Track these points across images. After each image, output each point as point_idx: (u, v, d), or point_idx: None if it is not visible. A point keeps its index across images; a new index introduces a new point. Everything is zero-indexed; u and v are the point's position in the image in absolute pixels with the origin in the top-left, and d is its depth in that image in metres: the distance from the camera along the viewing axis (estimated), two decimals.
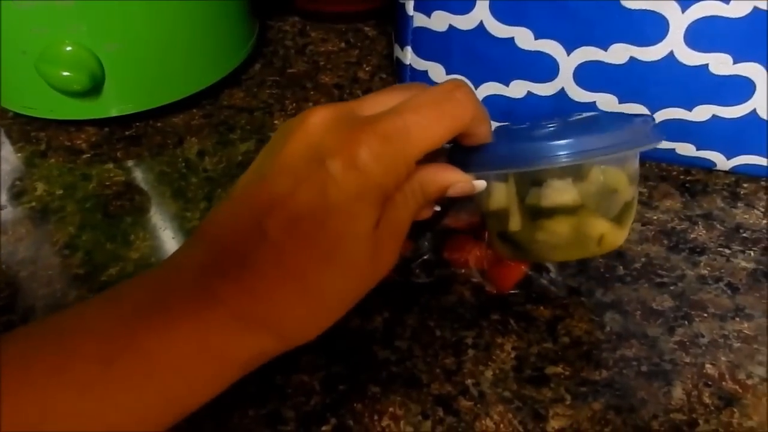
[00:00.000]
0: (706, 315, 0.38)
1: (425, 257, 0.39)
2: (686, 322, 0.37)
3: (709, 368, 0.35)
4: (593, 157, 0.31)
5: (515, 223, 0.34)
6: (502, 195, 0.33)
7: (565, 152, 0.29)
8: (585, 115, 0.35)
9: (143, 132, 0.52)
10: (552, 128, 0.32)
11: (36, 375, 0.22)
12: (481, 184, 0.30)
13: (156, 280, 0.26)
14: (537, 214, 0.33)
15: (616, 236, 0.34)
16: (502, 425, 0.33)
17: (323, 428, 0.33)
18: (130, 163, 0.49)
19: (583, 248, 0.34)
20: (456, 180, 0.29)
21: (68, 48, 0.46)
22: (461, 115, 0.27)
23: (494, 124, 0.32)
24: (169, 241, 0.43)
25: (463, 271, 0.39)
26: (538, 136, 0.31)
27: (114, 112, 0.50)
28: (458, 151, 0.32)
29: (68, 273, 0.41)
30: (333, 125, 0.26)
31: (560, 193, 0.32)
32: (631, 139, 0.31)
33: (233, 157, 0.49)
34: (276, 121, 0.52)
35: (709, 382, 0.35)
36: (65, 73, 0.46)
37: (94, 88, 0.48)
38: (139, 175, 0.48)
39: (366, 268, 0.26)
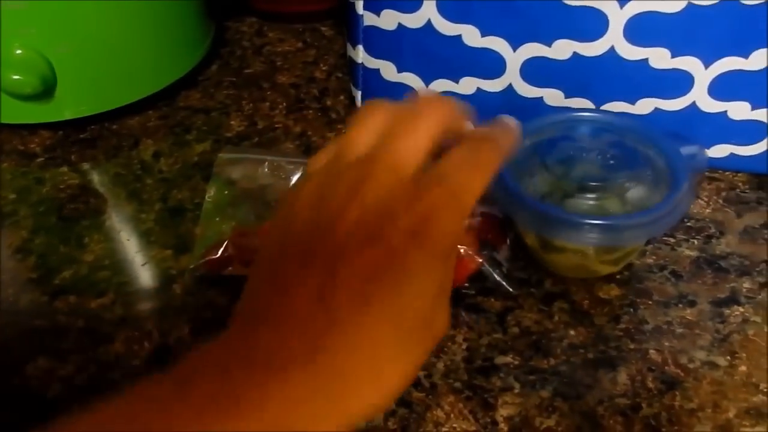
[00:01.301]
0: (650, 302, 0.39)
1: None
2: (632, 310, 0.39)
3: (653, 354, 0.36)
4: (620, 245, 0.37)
5: (531, 241, 0.40)
6: None
7: (597, 237, 0.34)
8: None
9: (98, 135, 0.51)
10: (591, 201, 0.37)
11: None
12: None
13: (226, 354, 0.24)
14: (548, 246, 0.38)
15: (611, 269, 0.40)
16: (452, 415, 0.34)
17: None
18: (85, 166, 0.49)
19: (580, 273, 0.40)
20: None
21: (18, 51, 0.46)
22: (499, 157, 0.28)
23: None
24: (125, 242, 0.43)
25: None
26: (574, 213, 0.36)
27: (67, 115, 0.50)
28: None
29: (21, 277, 0.41)
30: (399, 183, 0.26)
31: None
32: (662, 225, 0.35)
33: (189, 158, 0.49)
34: (232, 122, 0.53)
35: (653, 367, 0.36)
36: (16, 77, 0.46)
37: (46, 91, 0.48)
38: (94, 178, 0.48)
39: (429, 331, 0.26)
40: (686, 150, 0.38)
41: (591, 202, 0.37)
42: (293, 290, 0.24)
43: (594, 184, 0.37)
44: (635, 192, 0.37)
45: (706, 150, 0.45)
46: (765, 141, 0.44)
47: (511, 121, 0.31)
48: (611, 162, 0.37)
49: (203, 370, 0.23)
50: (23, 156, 0.50)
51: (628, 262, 0.40)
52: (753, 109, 0.42)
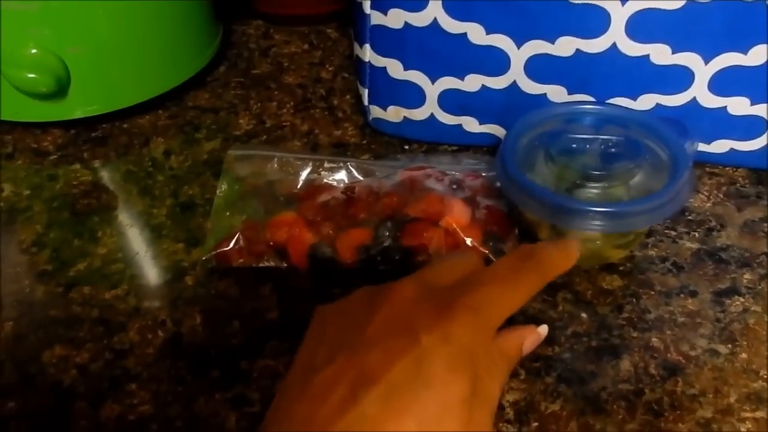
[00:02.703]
0: (653, 293, 0.40)
1: (385, 245, 0.40)
2: (634, 300, 0.39)
3: (655, 342, 0.37)
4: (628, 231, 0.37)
5: (543, 235, 0.40)
6: None
7: (604, 224, 0.35)
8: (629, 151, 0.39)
9: (109, 133, 0.52)
10: (597, 190, 0.38)
11: None
12: (543, 329, 0.32)
13: None
14: (562, 237, 0.39)
15: (620, 255, 0.41)
16: None
17: None
18: (96, 163, 0.50)
19: (590, 261, 0.41)
20: (527, 334, 0.31)
21: (33, 50, 0.47)
22: (536, 282, 0.29)
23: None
24: (136, 237, 0.44)
25: (421, 258, 0.40)
26: (582, 200, 0.37)
27: (79, 114, 0.51)
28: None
29: (36, 270, 0.42)
30: (421, 299, 0.27)
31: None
32: (665, 211, 0.36)
33: (199, 155, 0.50)
34: (241, 120, 0.53)
35: (655, 355, 0.37)
36: (30, 76, 0.47)
37: (60, 90, 0.49)
38: (105, 175, 0.49)
39: None
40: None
41: (596, 191, 0.38)
42: (321, 396, 0.25)
43: (597, 173, 0.38)
44: (638, 179, 0.38)
45: (706, 144, 0.46)
46: (764, 136, 0.44)
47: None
48: (613, 151, 0.38)
49: None
50: (37, 154, 0.51)
51: (636, 245, 0.42)
52: (752, 104, 0.43)
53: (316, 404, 0.25)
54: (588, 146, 0.39)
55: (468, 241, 0.40)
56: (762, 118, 0.43)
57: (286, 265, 0.41)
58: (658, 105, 0.43)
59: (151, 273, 0.42)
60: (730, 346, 0.37)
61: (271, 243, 0.40)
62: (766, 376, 0.35)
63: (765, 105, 0.43)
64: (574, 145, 0.39)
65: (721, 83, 0.42)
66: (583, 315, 0.39)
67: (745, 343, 0.37)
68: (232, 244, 0.40)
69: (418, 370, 0.25)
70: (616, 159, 0.38)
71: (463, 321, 0.26)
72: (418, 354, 0.25)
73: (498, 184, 0.41)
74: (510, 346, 0.30)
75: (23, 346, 0.37)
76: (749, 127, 0.44)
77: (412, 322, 0.26)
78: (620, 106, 0.42)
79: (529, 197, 0.37)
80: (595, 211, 0.35)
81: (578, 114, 0.41)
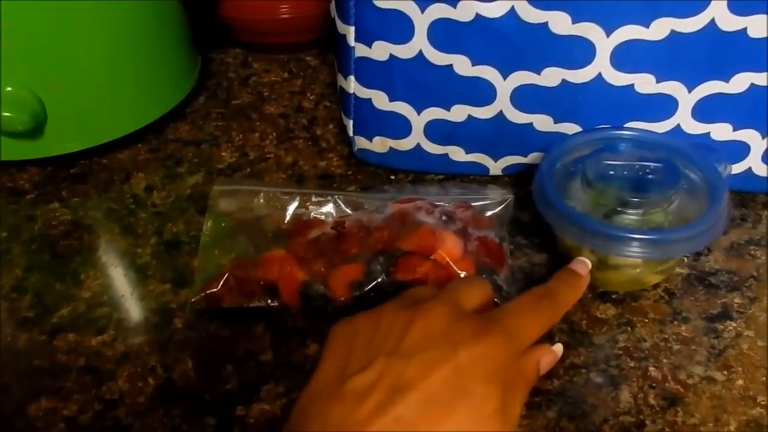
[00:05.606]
0: (647, 320, 0.40)
1: (378, 280, 0.39)
2: (629, 329, 0.39)
3: (652, 371, 0.37)
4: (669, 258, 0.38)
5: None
6: None
7: (642, 252, 0.36)
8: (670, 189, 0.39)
9: (88, 169, 0.51)
10: (635, 216, 0.38)
11: None
12: (558, 348, 0.33)
13: None
14: (603, 265, 0.39)
15: (659, 278, 0.42)
16: None
17: None
18: (76, 201, 0.49)
19: (630, 286, 0.42)
20: (542, 353, 0.32)
21: (8, 89, 0.46)
22: (552, 316, 0.33)
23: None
24: (120, 278, 0.43)
25: None
26: (622, 227, 0.37)
27: (57, 151, 0.50)
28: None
29: (17, 316, 0.40)
30: (455, 318, 0.29)
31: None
32: (706, 239, 0.37)
33: (182, 190, 0.49)
34: (223, 153, 0.53)
35: (654, 384, 0.37)
36: (7, 114, 0.46)
37: (37, 128, 0.48)
38: (86, 213, 0.48)
39: None
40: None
41: (635, 217, 0.38)
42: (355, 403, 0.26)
43: (636, 200, 0.38)
44: (676, 204, 0.38)
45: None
46: (747, 160, 0.45)
47: (582, 267, 0.35)
48: (650, 177, 0.39)
49: None
50: (13, 193, 0.49)
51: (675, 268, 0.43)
52: (735, 130, 0.44)
53: (352, 406, 0.26)
54: (625, 172, 0.39)
55: (462, 274, 0.40)
56: (744, 142, 0.44)
57: (277, 303, 0.40)
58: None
59: (139, 316, 0.41)
60: (726, 372, 0.37)
61: (262, 282, 0.40)
62: (764, 403, 0.35)
63: (747, 130, 0.44)
64: (611, 171, 0.39)
65: (704, 110, 0.43)
66: (580, 346, 0.38)
67: (741, 369, 0.37)
68: (221, 285, 0.39)
69: (456, 381, 0.27)
70: (653, 185, 0.39)
71: (498, 341, 0.28)
72: (457, 366, 0.27)
73: (537, 207, 0.40)
74: (528, 368, 0.31)
75: (7, 398, 0.36)
76: (732, 151, 0.45)
77: (450, 336, 0.28)
78: (653, 132, 0.43)
79: (569, 223, 0.37)
80: (637, 237, 0.36)
81: (612, 140, 0.42)
